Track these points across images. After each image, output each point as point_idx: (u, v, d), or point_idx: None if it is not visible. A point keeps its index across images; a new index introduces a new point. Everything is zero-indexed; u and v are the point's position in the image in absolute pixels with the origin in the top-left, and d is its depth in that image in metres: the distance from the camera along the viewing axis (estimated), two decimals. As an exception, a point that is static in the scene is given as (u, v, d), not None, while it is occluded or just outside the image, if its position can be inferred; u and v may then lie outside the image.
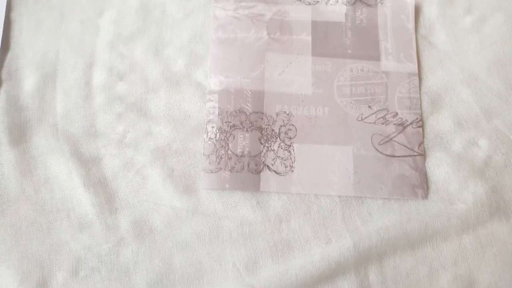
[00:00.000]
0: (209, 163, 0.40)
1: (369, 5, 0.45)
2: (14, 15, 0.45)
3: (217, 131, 0.41)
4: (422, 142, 0.41)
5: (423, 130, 0.41)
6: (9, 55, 0.43)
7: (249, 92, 0.42)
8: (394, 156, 0.40)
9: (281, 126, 0.41)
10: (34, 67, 0.43)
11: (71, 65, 0.43)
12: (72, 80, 0.43)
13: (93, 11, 0.45)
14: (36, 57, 0.43)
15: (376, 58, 0.43)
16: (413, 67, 0.43)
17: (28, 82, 0.42)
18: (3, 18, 0.44)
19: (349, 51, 0.43)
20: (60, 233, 0.38)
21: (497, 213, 0.39)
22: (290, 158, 0.40)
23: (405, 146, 0.40)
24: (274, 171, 0.40)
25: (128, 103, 0.42)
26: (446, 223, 0.38)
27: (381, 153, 0.40)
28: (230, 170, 0.40)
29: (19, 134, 0.41)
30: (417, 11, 0.45)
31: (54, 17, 0.45)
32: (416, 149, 0.40)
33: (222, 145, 0.40)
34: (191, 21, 0.45)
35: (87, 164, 0.40)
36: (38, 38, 0.44)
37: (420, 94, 0.42)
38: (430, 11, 0.45)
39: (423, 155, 0.40)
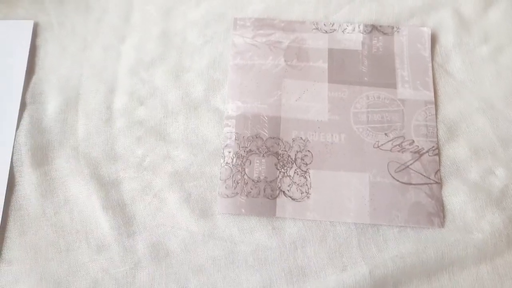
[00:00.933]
0: (226, 187, 0.40)
1: (385, 34, 0.46)
2: (40, 40, 0.46)
3: (234, 156, 0.41)
4: (439, 170, 0.41)
5: (439, 158, 0.41)
6: (34, 79, 0.44)
7: (266, 118, 0.42)
8: (410, 184, 0.40)
9: (297, 152, 0.41)
10: (58, 91, 0.44)
11: (93, 89, 0.44)
12: (94, 104, 0.44)
13: (116, 37, 0.46)
14: (60, 81, 0.44)
15: (393, 85, 0.44)
16: (430, 95, 0.43)
17: (51, 106, 0.43)
18: (29, 43, 0.45)
19: (366, 78, 0.44)
20: (78, 254, 0.39)
21: (515, 243, 0.39)
22: (306, 184, 0.40)
23: (421, 174, 0.40)
24: (290, 197, 0.40)
25: (147, 127, 0.43)
26: (463, 252, 0.38)
27: (397, 180, 0.40)
28: (246, 195, 0.40)
29: (41, 156, 0.41)
30: (433, 39, 0.46)
31: (78, 43, 0.46)
32: (432, 177, 0.40)
33: (239, 170, 0.41)
34: (210, 48, 0.46)
35: (107, 187, 0.40)
36: (62, 63, 0.45)
37: (436, 122, 0.42)
38: (447, 39, 0.46)
39: (440, 183, 0.40)
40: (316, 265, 0.38)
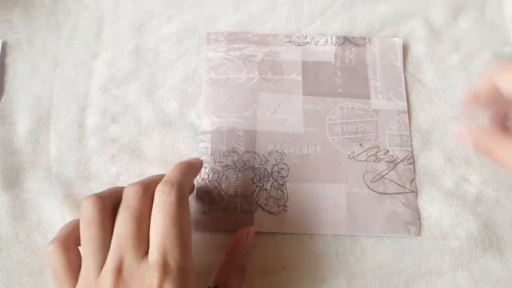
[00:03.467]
0: (202, 204, 0.40)
1: (357, 45, 0.46)
2: (9, 59, 0.45)
3: (210, 171, 0.41)
4: (414, 179, 0.41)
5: (414, 167, 0.42)
6: (3, 99, 0.44)
7: (242, 132, 0.42)
8: (386, 194, 0.40)
9: (273, 165, 0.41)
10: (28, 110, 0.43)
11: (64, 108, 0.43)
12: (66, 123, 0.43)
13: (87, 54, 0.46)
14: (30, 100, 0.44)
15: (366, 96, 0.44)
16: (403, 105, 0.44)
17: (22, 126, 0.43)
18: (-2, 62, 0.45)
19: (339, 90, 0.44)
20: (53, 277, 0.38)
21: (490, 248, 0.39)
22: (283, 198, 0.40)
23: (396, 183, 0.41)
24: (267, 211, 0.40)
25: (121, 145, 0.42)
26: (439, 260, 0.39)
27: (373, 190, 0.41)
28: (223, 211, 0.40)
29: (13, 178, 0.41)
30: (405, 49, 0.46)
31: (49, 61, 0.45)
32: (407, 186, 0.41)
33: (215, 186, 0.40)
34: (183, 63, 0.45)
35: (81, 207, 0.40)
36: (32, 82, 0.44)
37: (410, 131, 0.43)
38: (418, 49, 0.46)
39: (415, 192, 0.41)
40: (295, 278, 0.38)
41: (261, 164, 0.41)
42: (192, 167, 0.34)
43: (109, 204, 0.31)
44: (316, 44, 0.46)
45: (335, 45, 0.46)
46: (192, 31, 0.47)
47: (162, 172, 0.41)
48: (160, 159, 0.42)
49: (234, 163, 0.41)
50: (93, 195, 0.30)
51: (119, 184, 0.41)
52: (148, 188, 0.31)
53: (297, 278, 0.38)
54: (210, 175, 0.41)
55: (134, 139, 0.42)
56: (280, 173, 0.41)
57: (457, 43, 0.47)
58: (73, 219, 0.39)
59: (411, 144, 0.42)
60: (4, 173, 0.41)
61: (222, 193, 0.40)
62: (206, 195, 0.40)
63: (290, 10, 0.48)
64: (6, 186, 0.40)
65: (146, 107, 0.44)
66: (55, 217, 0.39)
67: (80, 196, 0.40)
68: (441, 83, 0.45)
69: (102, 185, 0.41)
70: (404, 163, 0.42)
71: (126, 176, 0.41)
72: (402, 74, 0.45)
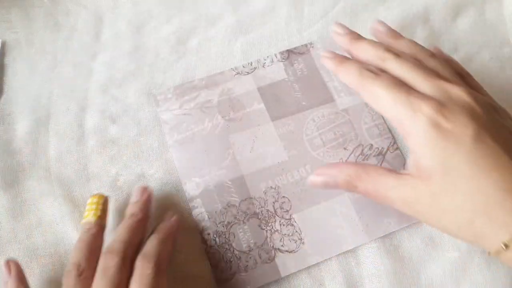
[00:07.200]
0: (221, 272, 0.37)
1: (302, 53, 0.46)
2: (8, 59, 0.45)
3: (215, 236, 0.38)
4: (405, 163, 0.40)
5: (401, 151, 0.42)
6: (3, 99, 0.43)
7: (230, 182, 0.40)
8: None
9: (273, 202, 0.40)
10: (27, 111, 0.43)
11: (64, 108, 0.43)
12: (65, 124, 0.43)
13: (86, 55, 0.46)
14: (29, 101, 0.43)
15: (330, 99, 0.44)
16: None
17: (21, 126, 0.42)
18: (-3, 62, 0.44)
19: (304, 103, 0.43)
20: (53, 278, 0.38)
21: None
22: (296, 231, 0.39)
23: None
24: (287, 251, 0.38)
25: (121, 146, 0.42)
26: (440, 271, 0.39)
27: None
28: (245, 270, 0.37)
29: (12, 178, 0.40)
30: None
31: (48, 61, 0.45)
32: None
33: (227, 248, 0.38)
34: (183, 63, 0.45)
35: (80, 208, 0.39)
36: (31, 82, 0.44)
37: (384, 118, 0.43)
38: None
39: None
40: (293, 280, 0.38)
41: (262, 207, 0.40)
42: (170, 235, 0.36)
43: None
44: (263, 66, 0.45)
45: (281, 61, 0.45)
46: (191, 31, 0.47)
47: (161, 174, 0.41)
48: (160, 160, 0.41)
49: (235, 217, 0.39)
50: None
51: (118, 184, 0.41)
52: (126, 259, 0.33)
53: (297, 279, 0.38)
54: (217, 240, 0.38)
55: (133, 140, 0.42)
56: (283, 208, 0.40)
57: (456, 43, 0.47)
58: (72, 219, 0.39)
59: (389, 130, 0.42)
60: (3, 173, 0.40)
61: (236, 252, 0.38)
62: (222, 262, 0.38)
63: (290, 11, 0.48)
64: (5, 186, 0.40)
65: (146, 107, 0.43)
66: (55, 217, 0.39)
67: (79, 197, 0.40)
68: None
69: (101, 186, 0.40)
70: (391, 151, 0.41)
71: (125, 176, 0.41)
72: None
